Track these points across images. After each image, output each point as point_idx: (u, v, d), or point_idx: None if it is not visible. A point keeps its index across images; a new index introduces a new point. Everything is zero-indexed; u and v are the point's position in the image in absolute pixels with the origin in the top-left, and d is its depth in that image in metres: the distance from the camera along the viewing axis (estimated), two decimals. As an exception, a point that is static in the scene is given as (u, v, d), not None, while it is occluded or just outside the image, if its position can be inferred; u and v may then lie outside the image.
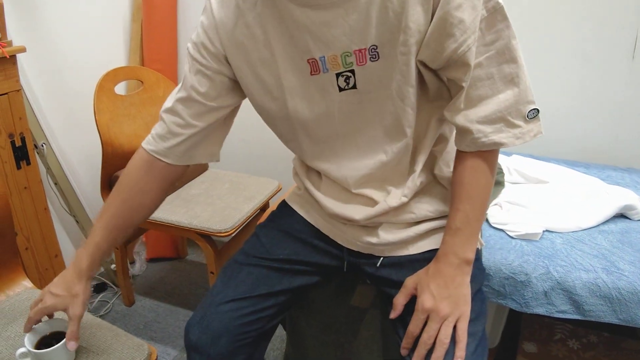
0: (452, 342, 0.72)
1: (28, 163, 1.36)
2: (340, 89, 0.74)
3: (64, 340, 0.81)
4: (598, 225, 1.13)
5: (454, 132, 0.79)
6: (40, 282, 1.45)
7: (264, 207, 1.62)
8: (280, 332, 1.53)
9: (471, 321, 0.74)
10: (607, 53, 1.38)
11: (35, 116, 1.54)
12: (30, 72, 1.54)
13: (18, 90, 1.29)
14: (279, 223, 0.97)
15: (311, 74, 0.75)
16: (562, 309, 0.98)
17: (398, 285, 0.80)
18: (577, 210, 1.16)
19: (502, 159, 1.38)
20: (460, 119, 0.72)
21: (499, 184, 1.26)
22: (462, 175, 0.76)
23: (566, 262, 1.00)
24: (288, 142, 0.89)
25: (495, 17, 0.67)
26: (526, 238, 1.09)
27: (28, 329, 0.84)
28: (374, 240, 0.84)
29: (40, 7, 1.56)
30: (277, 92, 0.79)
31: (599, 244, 1.06)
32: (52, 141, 1.59)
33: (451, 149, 0.83)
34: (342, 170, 0.83)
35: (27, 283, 1.12)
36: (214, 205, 1.52)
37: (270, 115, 0.83)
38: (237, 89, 0.84)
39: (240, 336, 0.84)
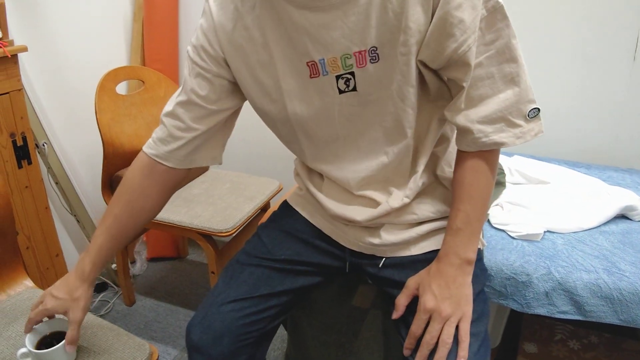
0: (455, 343, 0.72)
1: (29, 162, 1.37)
2: (340, 92, 0.74)
3: (65, 340, 0.81)
4: (599, 226, 1.13)
5: (455, 132, 0.79)
6: (42, 281, 1.45)
7: (264, 207, 1.62)
8: (280, 332, 1.53)
9: (474, 321, 0.74)
10: (607, 53, 1.38)
11: (37, 115, 1.54)
12: (32, 72, 1.54)
13: (19, 90, 1.29)
14: (280, 223, 0.97)
15: (310, 77, 0.75)
16: (563, 310, 0.98)
17: (400, 285, 0.80)
18: (578, 211, 1.16)
19: (503, 160, 1.38)
20: (461, 119, 0.72)
21: (500, 184, 1.26)
22: (463, 176, 0.76)
23: (567, 262, 1.00)
24: (289, 144, 0.89)
25: (495, 16, 0.67)
26: (527, 239, 1.09)
27: (28, 329, 0.84)
28: (376, 241, 0.84)
29: (42, 6, 1.56)
30: (275, 94, 0.78)
31: (600, 244, 1.06)
32: (53, 141, 1.59)
33: (453, 149, 0.83)
34: (344, 172, 0.83)
35: (28, 282, 1.12)
36: (215, 205, 1.52)
37: (270, 118, 0.83)
38: (237, 91, 0.84)
39: (242, 336, 0.85)
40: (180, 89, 0.83)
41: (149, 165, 0.86)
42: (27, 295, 1.06)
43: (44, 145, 1.55)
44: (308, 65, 0.74)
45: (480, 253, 0.86)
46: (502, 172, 1.31)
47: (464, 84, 0.70)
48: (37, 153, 1.49)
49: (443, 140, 0.83)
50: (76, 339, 0.82)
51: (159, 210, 0.90)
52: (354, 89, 0.73)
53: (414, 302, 0.77)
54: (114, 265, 1.85)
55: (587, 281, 0.96)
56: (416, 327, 0.74)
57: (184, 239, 2.08)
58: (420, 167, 0.80)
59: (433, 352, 0.72)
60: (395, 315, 0.79)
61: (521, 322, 1.46)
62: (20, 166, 1.34)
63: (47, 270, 1.48)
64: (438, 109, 0.78)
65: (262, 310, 0.87)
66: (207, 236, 1.46)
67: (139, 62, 1.88)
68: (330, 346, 1.16)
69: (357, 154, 0.81)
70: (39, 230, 1.43)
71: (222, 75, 0.81)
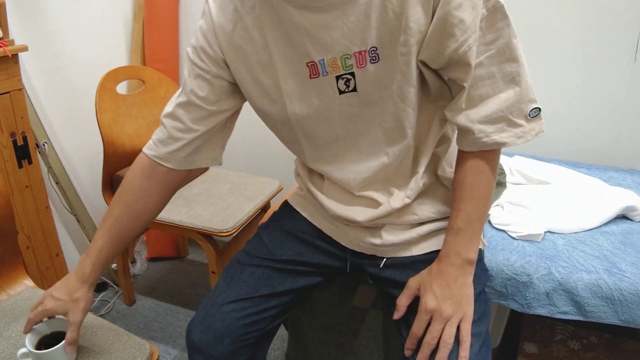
0: (456, 343, 0.72)
1: (30, 162, 1.36)
2: (341, 92, 0.74)
3: (64, 341, 0.81)
4: (600, 227, 1.13)
5: (456, 132, 0.79)
6: (42, 281, 1.45)
7: (265, 207, 1.62)
8: (281, 332, 1.53)
9: (475, 322, 0.74)
10: (608, 54, 1.38)
11: (37, 115, 1.54)
12: (32, 71, 1.54)
13: (20, 89, 1.29)
14: (281, 223, 0.97)
15: (310, 77, 0.74)
16: (563, 310, 0.98)
17: (401, 285, 0.80)
18: (579, 212, 1.16)
19: (504, 160, 1.38)
20: (462, 119, 0.72)
21: (501, 184, 1.26)
22: (464, 176, 0.76)
23: (568, 263, 1.00)
24: (289, 145, 0.89)
25: (495, 15, 0.67)
26: (528, 239, 1.09)
27: (28, 329, 0.84)
28: (377, 241, 0.84)
29: (43, 6, 1.56)
30: (275, 95, 0.78)
31: (600, 245, 1.06)
32: (53, 140, 1.59)
33: (454, 149, 0.83)
34: (344, 172, 0.83)
35: (28, 282, 1.12)
36: (216, 205, 1.52)
37: (270, 118, 0.83)
38: (237, 92, 0.83)
39: (243, 336, 0.85)
40: (180, 90, 0.83)
41: (149, 166, 0.85)
42: (27, 295, 1.06)
43: (44, 144, 1.55)
44: (308, 66, 0.73)
45: (481, 253, 0.85)
46: (502, 173, 1.31)
47: (465, 84, 0.70)
48: (38, 153, 1.49)
49: (444, 140, 0.83)
50: (76, 340, 0.82)
51: (160, 212, 0.90)
52: (354, 89, 0.73)
53: (415, 302, 0.77)
54: (114, 265, 1.85)
55: (587, 281, 0.96)
56: (417, 327, 0.74)
57: (184, 238, 2.08)
58: (421, 168, 0.80)
59: (434, 352, 0.72)
60: (397, 315, 0.79)
61: (521, 322, 1.46)
62: (20, 166, 1.34)
63: (47, 270, 1.48)
64: (439, 109, 0.78)
65: (263, 310, 0.87)
66: (208, 236, 1.46)
67: (139, 62, 1.88)
68: (331, 346, 1.16)
69: (357, 155, 0.81)
70: (39, 230, 1.43)
71: (222, 76, 0.80)
